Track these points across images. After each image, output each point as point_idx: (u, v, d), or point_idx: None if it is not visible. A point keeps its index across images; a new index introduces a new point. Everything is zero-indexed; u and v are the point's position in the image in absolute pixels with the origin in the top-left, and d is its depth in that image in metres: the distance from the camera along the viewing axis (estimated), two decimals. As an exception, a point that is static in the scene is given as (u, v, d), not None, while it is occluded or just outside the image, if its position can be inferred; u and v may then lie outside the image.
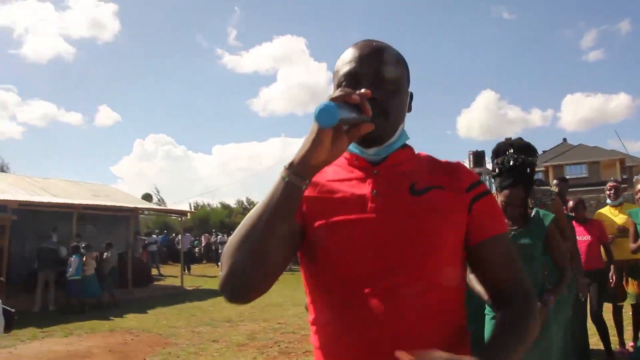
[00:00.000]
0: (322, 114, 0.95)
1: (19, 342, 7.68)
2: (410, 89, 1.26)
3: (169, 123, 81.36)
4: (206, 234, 27.44)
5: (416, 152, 1.26)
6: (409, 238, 1.09)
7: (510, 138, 3.54)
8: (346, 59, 1.19)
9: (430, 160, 1.25)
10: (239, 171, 69.91)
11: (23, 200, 12.26)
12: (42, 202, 13.07)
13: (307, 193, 1.12)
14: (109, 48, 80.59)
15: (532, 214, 2.98)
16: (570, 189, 6.62)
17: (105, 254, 12.06)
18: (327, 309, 1.14)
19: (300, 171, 1.01)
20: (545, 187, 3.49)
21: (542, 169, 42.60)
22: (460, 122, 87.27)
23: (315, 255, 1.14)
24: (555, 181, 6.24)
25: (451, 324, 1.12)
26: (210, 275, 19.60)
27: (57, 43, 78.18)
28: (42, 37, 76.65)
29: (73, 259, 10.98)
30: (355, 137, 1.04)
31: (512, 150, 3.29)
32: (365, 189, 1.15)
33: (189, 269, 20.70)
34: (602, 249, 5.58)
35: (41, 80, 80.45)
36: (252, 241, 1.02)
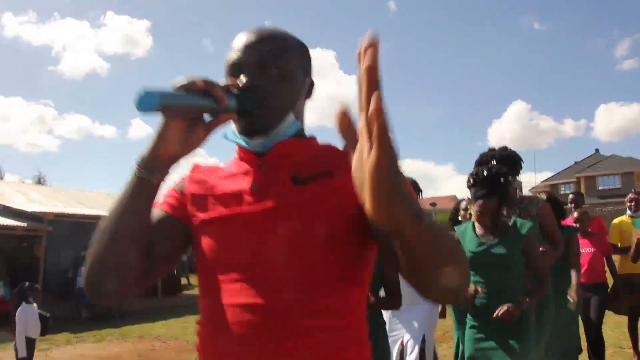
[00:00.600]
0: (141, 100, 0.90)
1: (53, 347, 8.04)
2: (312, 78, 1.22)
3: None
4: None
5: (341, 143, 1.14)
6: (286, 231, 1.02)
7: (494, 149, 3.53)
8: (232, 47, 1.14)
9: (326, 148, 1.17)
10: None
11: (59, 212, 12.77)
12: (77, 214, 13.54)
13: (193, 190, 1.14)
14: (142, 63, 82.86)
15: (510, 223, 2.99)
16: (602, 200, 7.12)
17: None
18: (205, 307, 1.08)
19: (149, 165, 1.00)
20: (533, 196, 3.47)
21: (574, 180, 42.48)
22: (491, 133, 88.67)
23: (197, 253, 1.11)
24: (571, 196, 6.29)
25: (337, 327, 1.01)
26: None
27: (92, 59, 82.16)
28: (78, 54, 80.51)
29: (82, 269, 11.24)
30: (213, 127, 1.03)
31: (494, 162, 3.29)
32: (246, 182, 1.10)
33: None
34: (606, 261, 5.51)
35: (77, 95, 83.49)
36: (110, 236, 1.00)
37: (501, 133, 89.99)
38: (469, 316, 2.99)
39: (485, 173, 2.94)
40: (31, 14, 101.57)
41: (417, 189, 3.69)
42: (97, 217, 13.54)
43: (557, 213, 4.01)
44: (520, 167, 3.51)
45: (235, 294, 1.01)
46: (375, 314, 2.93)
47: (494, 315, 2.71)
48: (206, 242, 1.08)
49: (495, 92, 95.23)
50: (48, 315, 5.70)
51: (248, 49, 1.12)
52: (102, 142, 78.42)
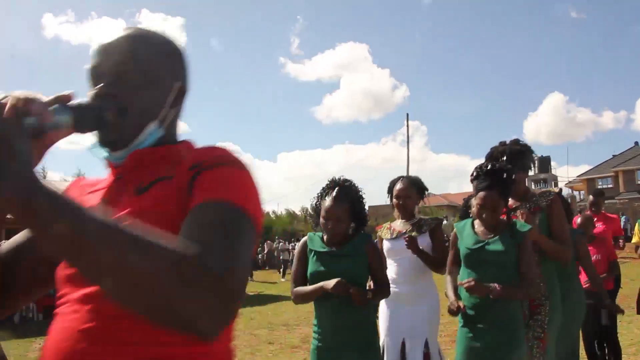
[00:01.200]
0: None
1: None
2: (181, 82, 1.13)
3: (235, 132, 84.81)
4: (269, 241, 27.33)
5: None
6: None
7: (505, 143, 3.35)
8: (91, 53, 1.07)
9: (179, 151, 1.10)
10: (303, 178, 71.07)
11: None
12: None
13: None
14: None
15: (511, 224, 2.94)
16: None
17: None
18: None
19: None
20: (545, 190, 3.34)
21: (612, 174, 41.52)
22: (526, 126, 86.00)
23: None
24: (590, 197, 6.14)
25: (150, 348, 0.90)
26: (272, 282, 20.10)
27: None
28: None
29: None
30: (46, 145, 0.93)
31: (504, 157, 3.19)
32: (100, 197, 1.06)
33: (251, 275, 20.33)
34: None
35: None
36: None
37: (537, 126, 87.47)
38: (460, 315, 2.95)
39: (489, 167, 2.94)
40: (70, 13, 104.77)
41: (422, 188, 3.81)
42: None
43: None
44: (532, 162, 3.38)
45: (65, 308, 0.98)
46: (368, 313, 2.95)
47: (459, 283, 2.86)
48: (55, 258, 1.02)
49: (531, 85, 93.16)
50: None
51: (104, 53, 1.06)
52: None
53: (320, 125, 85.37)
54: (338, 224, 2.92)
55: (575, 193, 40.39)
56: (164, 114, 1.11)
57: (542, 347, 3.12)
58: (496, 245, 2.87)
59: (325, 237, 3.02)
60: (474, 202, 2.98)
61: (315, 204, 3.08)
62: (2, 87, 76.43)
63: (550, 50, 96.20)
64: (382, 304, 3.63)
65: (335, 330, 2.86)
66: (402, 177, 3.82)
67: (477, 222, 3.02)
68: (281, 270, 21.91)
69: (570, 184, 43.06)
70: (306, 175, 71.11)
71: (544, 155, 41.89)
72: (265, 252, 26.51)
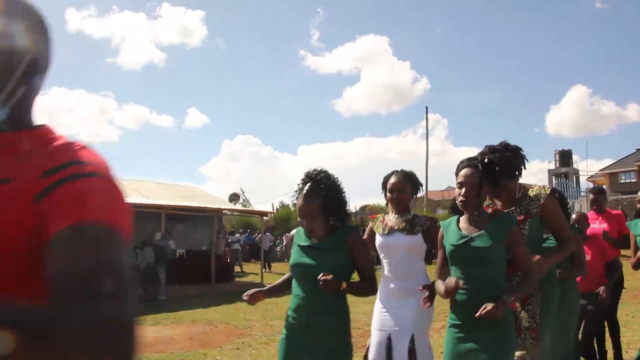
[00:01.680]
0: None
1: None
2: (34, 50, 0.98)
3: (256, 124, 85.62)
4: (287, 234, 24.80)
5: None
6: None
7: (494, 146, 3.12)
8: None
9: (29, 141, 0.96)
10: None
11: None
12: (135, 203, 13.96)
13: None
14: (197, 53, 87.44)
15: (496, 217, 2.84)
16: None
17: (137, 250, 13.24)
18: None
19: None
20: (536, 193, 3.14)
21: (635, 168, 41.07)
22: (549, 120, 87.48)
23: None
24: (591, 195, 5.94)
25: None
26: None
27: (149, 50, 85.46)
28: (136, 45, 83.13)
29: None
30: None
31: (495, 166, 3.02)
32: None
33: (269, 267, 20.89)
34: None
35: (135, 86, 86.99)
36: None
37: (560, 119, 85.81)
38: (449, 314, 2.86)
39: (484, 159, 2.92)
40: (92, 8, 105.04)
41: (417, 183, 3.65)
42: (153, 207, 14.38)
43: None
44: (521, 168, 3.16)
45: None
46: (342, 305, 2.88)
47: (476, 315, 2.55)
48: None
49: (554, 77, 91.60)
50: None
51: None
52: (160, 132, 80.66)
53: (340, 117, 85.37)
54: (312, 222, 2.90)
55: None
56: (9, 90, 0.95)
57: (535, 338, 3.07)
58: (480, 241, 2.75)
59: None
60: (457, 180, 2.88)
61: (294, 202, 3.04)
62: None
63: (574, 41, 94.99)
64: (377, 300, 3.59)
65: (304, 319, 2.86)
66: (396, 171, 3.70)
67: (462, 219, 2.91)
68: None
69: (592, 178, 42.38)
70: (327, 168, 68.80)
71: (565, 149, 41.17)
72: (284, 244, 25.97)
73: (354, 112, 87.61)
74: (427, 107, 34.24)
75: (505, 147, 3.12)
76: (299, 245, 2.98)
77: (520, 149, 3.17)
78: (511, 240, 2.78)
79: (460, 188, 2.82)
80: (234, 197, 40.89)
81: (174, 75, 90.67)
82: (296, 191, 2.99)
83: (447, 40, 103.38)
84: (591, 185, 37.31)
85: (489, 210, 3.09)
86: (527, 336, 3.07)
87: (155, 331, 8.60)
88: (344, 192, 2.99)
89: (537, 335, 3.08)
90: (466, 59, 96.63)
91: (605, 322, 5.14)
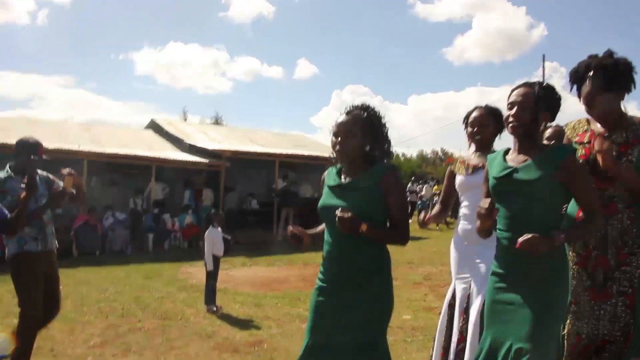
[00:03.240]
0: None
1: (232, 267, 9.25)
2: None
3: (366, 74, 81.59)
4: None
5: None
6: None
7: (597, 55, 2.59)
8: None
9: None
10: (434, 121, 68.43)
11: (235, 150, 14.20)
12: (250, 151, 14.83)
13: None
14: (304, 3, 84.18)
15: (549, 147, 2.40)
16: None
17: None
18: None
19: None
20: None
21: None
22: None
23: None
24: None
25: None
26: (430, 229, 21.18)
27: (258, 3, 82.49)
28: None
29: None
30: None
31: (591, 74, 2.54)
32: None
33: None
34: None
35: (246, 38, 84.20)
36: None
37: None
38: (493, 261, 2.46)
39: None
40: None
41: (502, 120, 2.93)
42: (268, 155, 14.97)
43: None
44: (632, 81, 2.55)
45: None
46: (376, 253, 2.53)
47: (517, 244, 2.13)
48: None
49: None
50: (229, 237, 6.70)
51: None
52: (270, 83, 78.42)
53: (451, 67, 78.84)
54: (348, 140, 2.50)
55: None
56: None
57: (629, 306, 2.50)
58: (526, 172, 2.30)
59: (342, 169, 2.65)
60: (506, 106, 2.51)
61: (403, 153, 2.78)
62: (144, 37, 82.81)
63: None
64: (452, 246, 3.37)
65: (332, 265, 2.56)
66: (479, 106, 3.33)
67: (511, 151, 2.49)
68: (409, 211, 21.68)
69: None
70: (437, 118, 67.74)
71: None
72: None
73: (465, 61, 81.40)
74: (543, 55, 32.12)
75: (609, 54, 2.57)
76: (328, 186, 2.63)
77: (627, 61, 2.57)
78: (568, 171, 2.26)
79: (510, 109, 2.39)
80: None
81: (283, 27, 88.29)
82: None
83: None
84: None
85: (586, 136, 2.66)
86: (620, 303, 2.51)
87: (271, 272, 9.16)
88: (388, 129, 2.64)
89: (633, 304, 2.49)
90: (588, 3, 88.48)
91: None
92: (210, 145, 14.37)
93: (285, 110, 75.89)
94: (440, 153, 45.01)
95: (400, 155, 40.46)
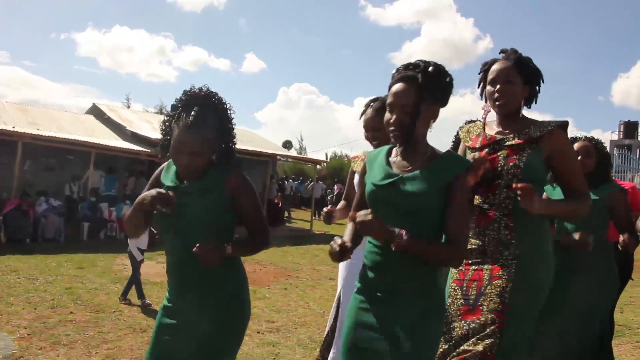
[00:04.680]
0: None
1: (159, 257, 10.64)
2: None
3: (313, 73, 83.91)
4: (339, 184, 26.93)
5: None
6: None
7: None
8: None
9: None
10: None
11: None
12: None
13: None
14: None
15: (442, 155, 1.98)
16: None
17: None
18: None
19: None
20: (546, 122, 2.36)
21: None
22: (615, 88, 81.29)
23: None
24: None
25: None
26: (339, 223, 18.73)
27: None
28: None
29: None
30: None
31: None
32: None
33: (319, 215, 19.83)
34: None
35: (195, 28, 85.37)
36: None
37: (627, 88, 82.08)
38: (358, 278, 2.05)
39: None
40: None
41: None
42: None
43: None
44: (540, 76, 2.39)
45: None
46: (223, 270, 2.11)
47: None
48: None
49: (626, 43, 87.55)
50: (155, 231, 6.29)
51: None
52: (217, 75, 77.77)
53: None
54: (195, 159, 2.09)
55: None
56: None
57: (497, 325, 2.18)
58: (412, 184, 1.91)
59: None
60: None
61: (165, 125, 2.17)
62: (89, 18, 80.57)
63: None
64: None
65: (180, 289, 2.16)
66: (371, 103, 3.03)
67: (395, 150, 2.07)
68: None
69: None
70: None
71: (631, 120, 39.46)
72: (335, 193, 26.32)
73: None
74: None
75: (514, 50, 2.41)
76: (166, 187, 2.18)
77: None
78: (452, 192, 1.90)
79: (389, 113, 1.97)
80: (287, 144, 41.22)
81: (234, 19, 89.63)
82: (172, 113, 2.15)
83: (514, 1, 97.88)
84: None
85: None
86: (489, 321, 2.20)
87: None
88: (233, 120, 2.28)
89: (502, 322, 2.18)
90: (532, 20, 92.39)
91: None
92: (154, 135, 14.03)
93: (232, 104, 74.51)
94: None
95: (345, 157, 39.50)
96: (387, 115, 1.98)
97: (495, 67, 2.38)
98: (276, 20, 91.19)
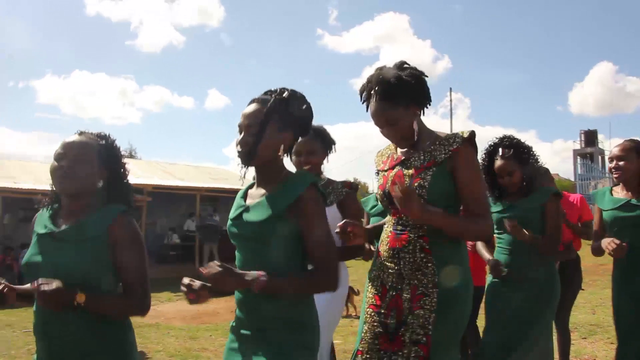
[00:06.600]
0: None
1: (159, 303, 9.21)
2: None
3: None
4: None
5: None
6: None
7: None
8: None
9: None
10: (345, 151, 69.09)
11: (156, 184, 14.24)
12: (172, 186, 14.86)
13: None
14: (215, 34, 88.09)
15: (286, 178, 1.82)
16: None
17: None
18: None
19: None
20: (451, 136, 2.11)
21: None
22: (572, 97, 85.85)
23: None
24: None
25: None
26: None
27: (168, 32, 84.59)
28: (155, 28, 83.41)
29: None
30: None
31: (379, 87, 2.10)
32: None
33: None
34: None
35: (155, 68, 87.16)
36: None
37: (583, 97, 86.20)
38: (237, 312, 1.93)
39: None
40: None
41: (329, 141, 2.94)
42: (188, 189, 14.96)
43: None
44: (427, 96, 2.21)
45: None
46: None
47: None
48: None
49: (578, 54, 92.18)
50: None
51: None
52: (181, 113, 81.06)
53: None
54: (75, 197, 1.89)
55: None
56: None
57: (423, 358, 2.03)
58: (255, 213, 1.83)
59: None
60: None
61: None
62: (47, 65, 79.42)
63: (599, 17, 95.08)
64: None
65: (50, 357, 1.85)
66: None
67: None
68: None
69: (617, 158, 41.98)
70: (348, 148, 70.71)
71: (590, 129, 40.87)
72: None
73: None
74: (450, 88, 34.29)
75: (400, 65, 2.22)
76: (38, 234, 1.92)
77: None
78: (298, 213, 1.77)
79: (239, 133, 1.89)
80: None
81: (194, 57, 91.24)
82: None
83: (468, 19, 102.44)
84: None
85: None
86: (413, 353, 2.05)
87: (198, 305, 9.02)
88: (123, 160, 2.06)
89: (427, 355, 2.04)
90: (488, 37, 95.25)
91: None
92: (132, 180, 14.09)
93: (197, 141, 77.94)
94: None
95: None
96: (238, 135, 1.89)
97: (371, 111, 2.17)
98: (235, 54, 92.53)
